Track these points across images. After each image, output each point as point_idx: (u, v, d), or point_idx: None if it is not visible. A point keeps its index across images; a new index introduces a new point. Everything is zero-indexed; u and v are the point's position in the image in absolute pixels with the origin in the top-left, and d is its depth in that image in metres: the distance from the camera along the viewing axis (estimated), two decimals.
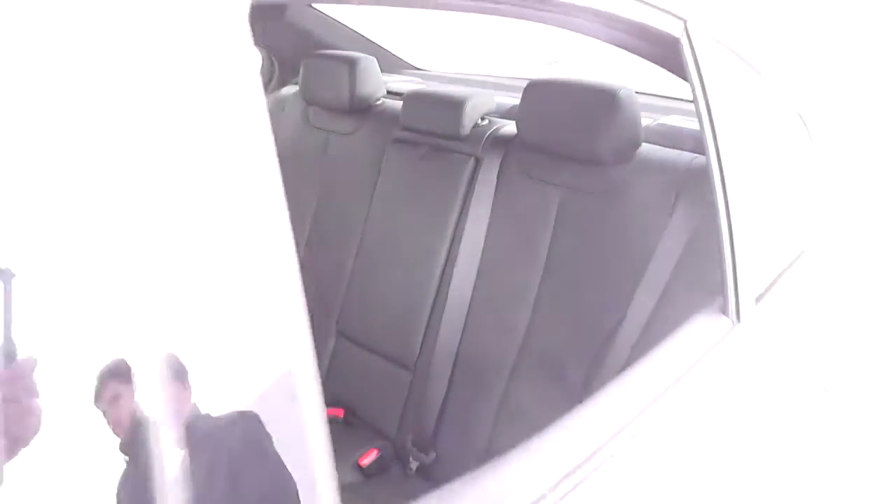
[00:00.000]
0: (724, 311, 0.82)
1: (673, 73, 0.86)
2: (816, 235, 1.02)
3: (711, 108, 0.79)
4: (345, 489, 0.40)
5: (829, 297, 1.02)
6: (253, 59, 0.39)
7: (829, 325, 1.01)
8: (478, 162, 1.25)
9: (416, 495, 0.48)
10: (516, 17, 0.84)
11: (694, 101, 0.81)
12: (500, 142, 1.25)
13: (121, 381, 0.35)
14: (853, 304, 1.11)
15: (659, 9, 0.75)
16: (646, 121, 1.13)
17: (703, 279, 0.88)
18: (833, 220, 1.06)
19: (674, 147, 1.09)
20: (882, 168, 1.35)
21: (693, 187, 0.98)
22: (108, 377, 0.34)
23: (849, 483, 1.12)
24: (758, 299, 0.86)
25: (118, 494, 0.35)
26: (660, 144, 1.11)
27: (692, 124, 1.10)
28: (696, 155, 1.04)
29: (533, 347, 1.13)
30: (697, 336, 0.78)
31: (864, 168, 1.24)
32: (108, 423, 0.35)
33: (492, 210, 1.21)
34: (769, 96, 0.96)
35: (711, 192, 0.82)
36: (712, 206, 0.82)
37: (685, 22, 0.77)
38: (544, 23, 0.85)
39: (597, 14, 0.72)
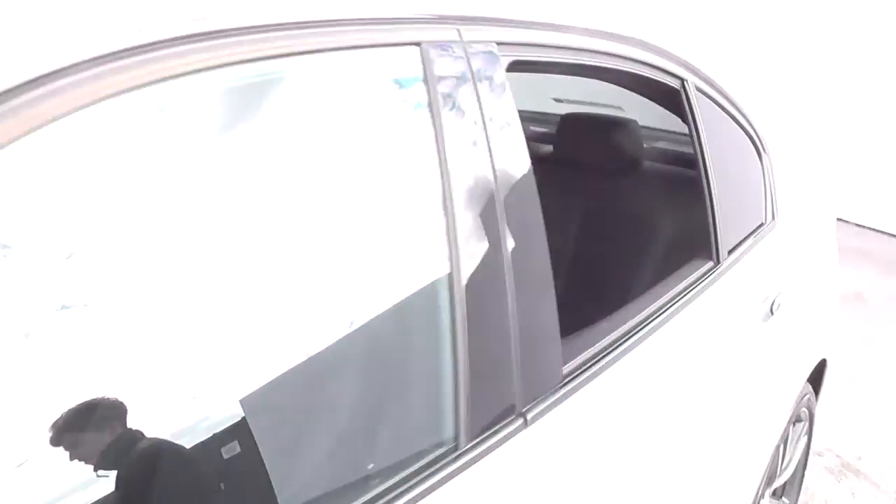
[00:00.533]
0: (710, 257, 1.31)
1: (673, 111, 1.35)
2: (767, 213, 1.53)
3: (701, 135, 1.28)
4: None
5: (775, 249, 1.52)
6: None
7: (776, 266, 1.51)
8: None
9: None
10: (566, 73, 1.32)
11: (689, 130, 1.31)
12: (541, 160, 1.75)
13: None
14: (793, 253, 1.62)
15: (665, 71, 1.24)
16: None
17: (690, 246, 1.36)
18: (779, 204, 1.57)
19: (665, 164, 1.60)
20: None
21: (681, 191, 1.46)
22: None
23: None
24: (730, 251, 1.35)
25: None
26: (655, 162, 1.62)
27: (675, 147, 1.63)
28: (683, 169, 1.54)
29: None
30: (693, 271, 1.27)
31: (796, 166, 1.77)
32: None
33: None
34: (734, 126, 1.48)
35: (701, 190, 1.30)
36: (701, 199, 1.31)
37: (683, 80, 1.27)
38: (582, 75, 1.33)
39: (621, 72, 1.19)
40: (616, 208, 1.59)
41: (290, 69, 0.65)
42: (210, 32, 0.57)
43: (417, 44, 0.75)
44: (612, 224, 1.59)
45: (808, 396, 1.75)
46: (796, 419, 1.78)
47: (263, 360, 0.64)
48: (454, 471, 0.72)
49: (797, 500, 2.01)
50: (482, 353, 0.76)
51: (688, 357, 1.16)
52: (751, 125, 1.52)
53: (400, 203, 0.75)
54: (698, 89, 1.31)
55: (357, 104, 0.73)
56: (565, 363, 0.88)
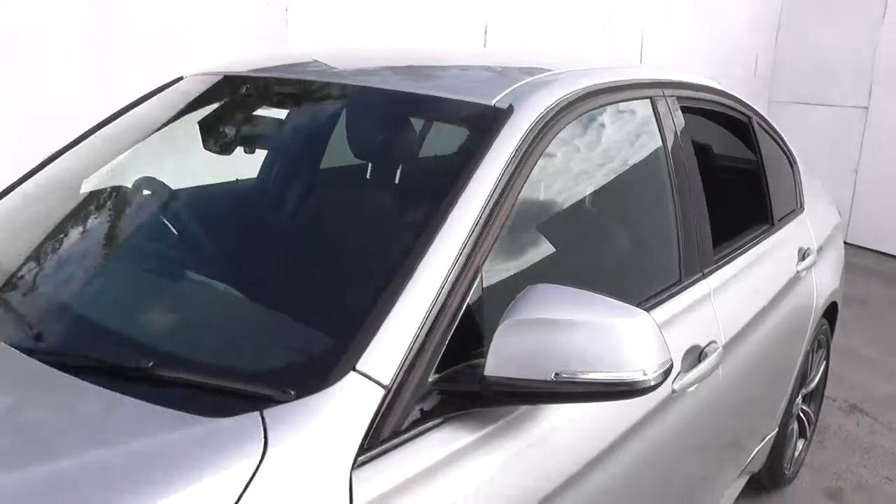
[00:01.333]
0: (768, 222, 2.22)
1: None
2: (798, 203, 2.45)
3: (761, 152, 2.19)
4: None
5: (804, 223, 2.43)
6: None
7: (804, 234, 2.41)
8: None
9: None
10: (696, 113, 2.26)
11: (752, 149, 2.23)
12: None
13: None
14: (815, 228, 2.52)
15: (737, 111, 2.16)
16: None
17: (759, 216, 2.25)
18: (805, 199, 2.48)
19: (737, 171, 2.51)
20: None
21: (751, 186, 2.37)
22: None
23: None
24: (779, 220, 2.27)
25: None
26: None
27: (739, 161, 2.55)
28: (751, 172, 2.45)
29: None
30: (760, 228, 2.18)
31: None
32: None
33: None
34: (777, 147, 2.40)
35: (762, 184, 2.21)
36: (762, 190, 2.21)
37: (750, 117, 2.19)
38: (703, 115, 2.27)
39: (717, 112, 2.13)
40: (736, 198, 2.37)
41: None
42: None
43: (649, 98, 1.69)
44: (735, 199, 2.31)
45: (825, 327, 2.64)
46: (818, 345, 2.66)
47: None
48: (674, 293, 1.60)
49: (819, 408, 2.88)
50: (686, 227, 1.65)
51: (758, 278, 2.05)
52: (787, 146, 2.45)
53: (664, 174, 1.67)
54: (759, 124, 2.25)
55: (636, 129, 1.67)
56: (714, 254, 1.77)
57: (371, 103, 1.51)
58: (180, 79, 2.08)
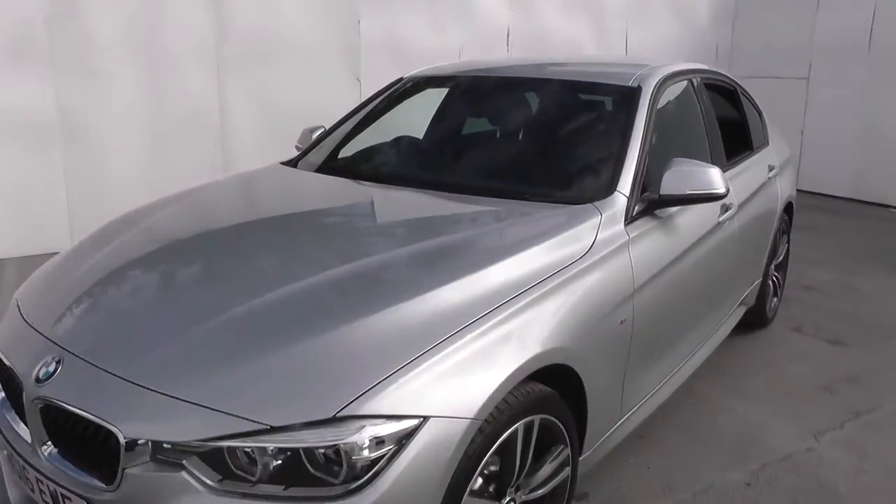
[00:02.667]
0: (750, 148, 3.72)
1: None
2: (766, 139, 3.99)
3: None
4: None
5: (770, 151, 3.97)
6: None
7: (771, 156, 3.94)
8: None
9: None
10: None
11: (738, 106, 3.72)
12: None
13: None
14: (776, 155, 4.06)
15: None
16: None
17: (743, 144, 3.76)
18: (770, 138, 4.01)
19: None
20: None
21: (740, 127, 3.87)
22: None
23: None
24: (755, 148, 3.79)
25: None
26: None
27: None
28: (739, 116, 3.95)
29: None
30: (744, 150, 3.68)
31: None
32: None
33: None
34: (751, 105, 3.92)
35: (745, 125, 3.71)
36: (745, 128, 3.71)
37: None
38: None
39: (716, 84, 3.61)
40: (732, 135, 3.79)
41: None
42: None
43: (689, 78, 3.17)
44: (731, 136, 3.72)
45: (786, 219, 4.17)
46: (782, 231, 4.18)
47: None
48: None
49: (785, 277, 4.42)
50: (713, 147, 3.14)
51: (748, 177, 3.53)
52: (757, 105, 3.97)
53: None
54: (741, 90, 3.76)
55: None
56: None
57: (556, 86, 3.01)
58: (401, 79, 3.54)
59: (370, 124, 3.36)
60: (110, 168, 5.42)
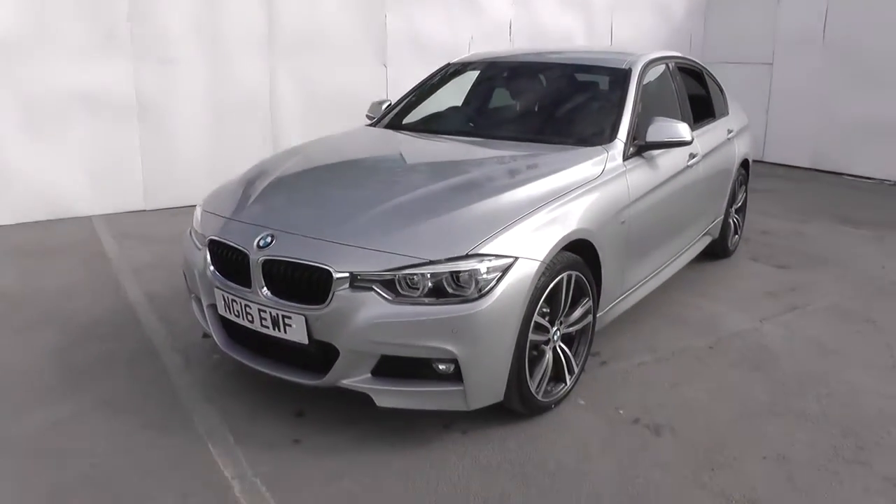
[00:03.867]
0: (713, 116, 4.83)
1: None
2: (728, 110, 5.11)
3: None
4: None
5: (730, 119, 5.09)
6: None
7: (731, 122, 5.07)
8: None
9: None
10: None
11: (705, 85, 4.82)
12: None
13: None
14: (735, 121, 5.18)
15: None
16: None
17: (715, 112, 4.85)
18: (730, 108, 5.13)
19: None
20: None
21: (710, 100, 4.97)
22: None
23: None
24: (720, 116, 4.89)
25: None
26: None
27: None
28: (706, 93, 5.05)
29: None
30: (714, 117, 4.78)
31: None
32: None
33: None
34: (715, 85, 5.03)
35: (710, 100, 4.81)
36: (710, 102, 4.81)
37: (702, 69, 4.76)
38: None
39: (680, 67, 4.69)
40: (698, 106, 4.98)
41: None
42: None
43: (667, 63, 4.27)
44: (698, 107, 4.91)
45: (743, 172, 5.29)
46: (740, 182, 5.29)
47: None
48: None
49: (743, 220, 5.54)
50: (684, 113, 4.25)
51: (711, 136, 4.63)
52: (719, 83, 5.08)
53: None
54: (707, 72, 4.86)
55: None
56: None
57: (570, 68, 4.11)
58: (448, 64, 4.62)
59: (428, 97, 4.45)
60: (179, 141, 6.45)
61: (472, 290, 2.55)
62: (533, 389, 2.84)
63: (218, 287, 2.91)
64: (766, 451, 2.80)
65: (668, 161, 3.85)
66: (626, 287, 3.54)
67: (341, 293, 2.58)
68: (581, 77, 4.11)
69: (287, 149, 3.91)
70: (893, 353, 3.74)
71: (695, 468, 2.67)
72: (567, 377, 3.05)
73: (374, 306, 2.56)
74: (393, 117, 4.35)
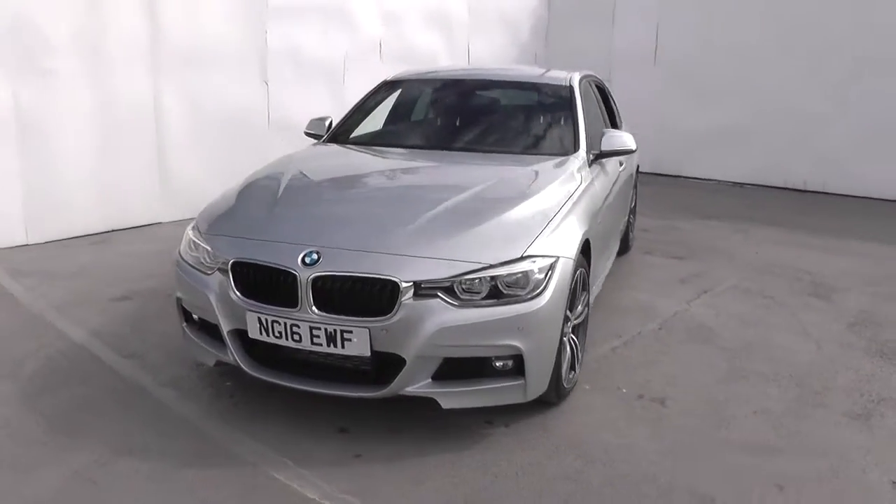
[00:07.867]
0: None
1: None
2: (621, 127, 5.76)
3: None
4: None
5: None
6: None
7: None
8: None
9: None
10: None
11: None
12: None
13: None
14: None
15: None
16: None
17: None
18: (622, 127, 5.78)
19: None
20: None
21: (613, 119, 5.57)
22: None
23: None
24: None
25: None
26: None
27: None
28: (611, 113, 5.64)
29: None
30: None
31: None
32: None
33: None
34: (612, 105, 5.64)
35: (615, 121, 5.41)
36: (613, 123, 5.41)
37: (603, 87, 5.34)
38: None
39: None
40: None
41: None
42: None
43: (588, 79, 4.77)
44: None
45: (636, 177, 5.97)
46: (635, 185, 5.96)
47: None
48: None
49: (635, 217, 6.23)
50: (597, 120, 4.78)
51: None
52: (616, 106, 5.71)
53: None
54: (607, 88, 5.45)
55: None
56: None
57: (514, 84, 4.46)
58: (385, 80, 4.79)
59: (370, 112, 4.59)
60: (62, 163, 5.91)
61: (528, 290, 2.77)
62: (563, 378, 3.11)
63: (252, 310, 2.85)
64: (753, 406, 3.30)
65: (611, 167, 4.32)
66: (597, 282, 3.93)
67: (407, 302, 2.68)
68: (531, 93, 4.47)
69: (266, 165, 3.89)
70: (800, 319, 4.49)
71: (709, 428, 3.09)
72: (576, 365, 3.36)
73: (442, 312, 2.69)
74: (342, 134, 4.42)
